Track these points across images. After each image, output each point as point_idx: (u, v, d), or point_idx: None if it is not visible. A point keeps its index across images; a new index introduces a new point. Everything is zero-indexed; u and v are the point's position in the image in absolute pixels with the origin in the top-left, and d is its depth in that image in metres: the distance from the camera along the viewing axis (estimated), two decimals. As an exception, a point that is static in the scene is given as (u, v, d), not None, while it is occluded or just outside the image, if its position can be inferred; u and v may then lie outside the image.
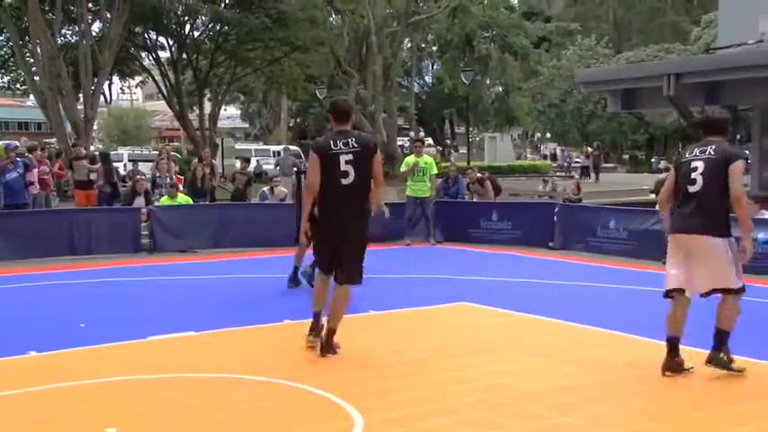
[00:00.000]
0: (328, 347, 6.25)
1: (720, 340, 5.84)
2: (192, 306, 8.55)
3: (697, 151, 5.88)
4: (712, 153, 5.80)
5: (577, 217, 13.37)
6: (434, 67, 52.09)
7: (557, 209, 13.77)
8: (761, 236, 10.50)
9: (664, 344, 5.88)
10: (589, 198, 21.70)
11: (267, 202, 15.12)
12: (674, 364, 5.81)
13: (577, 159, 37.31)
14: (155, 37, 30.61)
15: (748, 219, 5.90)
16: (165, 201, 13.94)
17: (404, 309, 8.28)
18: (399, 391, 5.36)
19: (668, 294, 5.98)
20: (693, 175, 5.79)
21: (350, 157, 6.07)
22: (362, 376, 5.73)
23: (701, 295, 5.90)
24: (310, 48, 30.28)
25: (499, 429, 4.65)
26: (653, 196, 25.54)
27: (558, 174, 34.54)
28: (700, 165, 5.80)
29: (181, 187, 15.33)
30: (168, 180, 14.97)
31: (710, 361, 5.83)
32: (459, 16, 40.98)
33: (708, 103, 17.99)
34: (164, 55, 31.39)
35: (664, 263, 11.21)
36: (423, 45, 47.55)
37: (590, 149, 35.49)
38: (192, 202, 14.35)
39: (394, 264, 10.46)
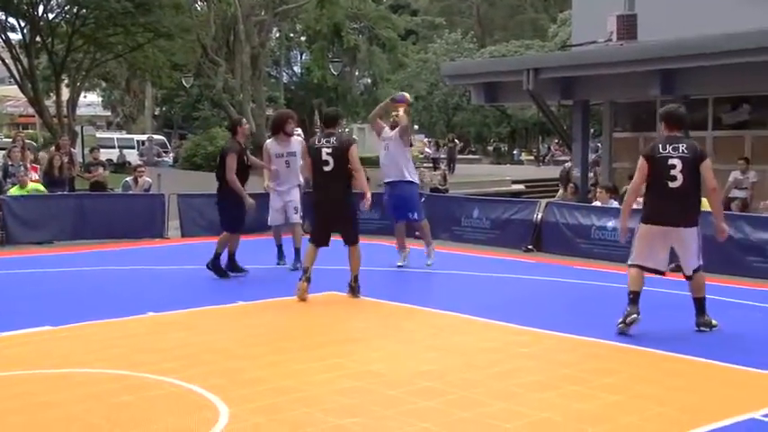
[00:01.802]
0: (356, 290, 8.24)
1: (702, 306, 6.82)
2: (49, 300, 8.22)
3: (670, 148, 6.57)
4: (686, 152, 6.57)
5: (443, 207, 13.69)
6: (303, 57, 51.83)
7: (423, 199, 14.03)
8: (610, 224, 11.14)
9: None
10: (455, 189, 22.25)
11: (131, 192, 14.67)
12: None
13: (427, 150, 38.10)
14: (3, 17, 28.94)
15: (721, 206, 7.19)
16: (14, 191, 13.24)
17: (273, 299, 8.27)
18: (265, 381, 5.37)
19: (636, 266, 6.79)
20: (673, 172, 6.52)
21: (329, 150, 8.10)
22: (228, 367, 5.70)
23: (686, 277, 6.86)
24: (175, 35, 29.40)
25: (362, 416, 4.74)
26: (515, 187, 26.56)
27: (425, 165, 35.25)
28: (677, 162, 6.53)
29: (35, 176, 14.61)
30: (22, 169, 14.23)
31: (700, 325, 6.80)
32: (328, 6, 40.84)
33: (563, 98, 18.86)
34: (15, 37, 29.75)
35: (524, 250, 11.77)
36: (291, 35, 47.21)
37: (441, 141, 36.31)
38: (45, 191, 13.71)
39: (269, 254, 10.40)
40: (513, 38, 47.98)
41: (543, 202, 12.91)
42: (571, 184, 16.11)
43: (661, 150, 6.59)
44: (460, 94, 42.95)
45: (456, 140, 37.88)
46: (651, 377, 5.60)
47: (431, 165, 33.45)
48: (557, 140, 44.72)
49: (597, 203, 12.41)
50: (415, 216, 10.47)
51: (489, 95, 19.56)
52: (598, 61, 16.19)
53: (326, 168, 8.14)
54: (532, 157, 45.89)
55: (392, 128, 10.32)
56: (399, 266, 10.37)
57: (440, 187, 21.97)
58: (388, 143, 10.25)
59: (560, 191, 17.67)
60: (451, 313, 7.60)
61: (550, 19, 50.69)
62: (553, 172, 31.57)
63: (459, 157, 40.01)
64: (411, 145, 11.31)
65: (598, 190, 13.16)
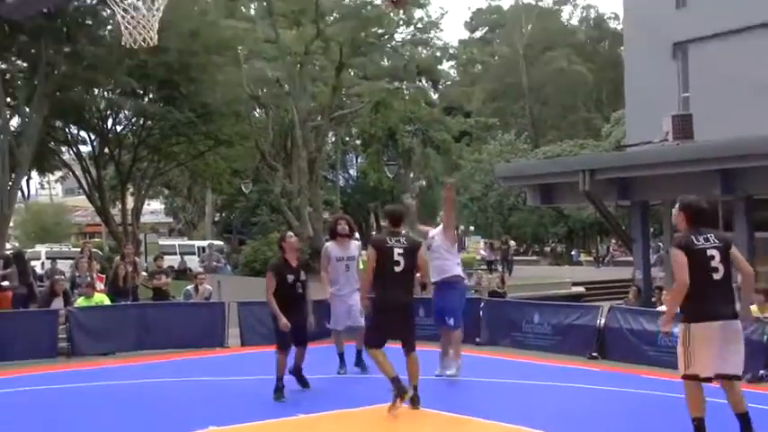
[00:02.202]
0: (418, 400, 7.91)
1: (749, 423, 6.10)
2: (114, 413, 8.26)
3: (702, 239, 6.28)
4: (717, 241, 6.30)
5: (503, 311, 13.52)
6: (359, 160, 52.84)
7: (482, 304, 13.91)
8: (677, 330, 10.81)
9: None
10: (513, 292, 22.00)
11: (192, 300, 14.86)
12: None
13: (482, 252, 37.78)
14: (76, 131, 30.29)
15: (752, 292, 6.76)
16: (81, 302, 13.54)
17: (335, 410, 8.17)
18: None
19: (693, 378, 6.18)
20: (713, 263, 6.22)
21: (401, 250, 8.03)
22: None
23: (727, 382, 6.18)
24: (235, 142, 30.40)
25: None
26: (575, 289, 26.16)
27: (481, 267, 35.05)
28: (715, 253, 6.24)
29: (101, 286, 14.93)
30: (88, 280, 14.60)
31: None
32: (382, 111, 41.94)
33: (621, 198, 18.76)
34: (85, 149, 31.04)
35: (588, 357, 11.45)
36: (347, 139, 48.30)
37: (494, 243, 36.01)
38: (109, 301, 13.97)
39: (329, 363, 10.33)
40: (566, 137, 48.24)
41: (606, 306, 12.66)
42: (634, 287, 15.80)
43: (696, 243, 6.31)
44: (516, 195, 43.04)
45: (510, 241, 37.65)
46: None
47: (486, 267, 33.21)
48: (615, 240, 44.21)
49: (663, 308, 12.11)
50: (451, 322, 9.77)
51: (545, 197, 19.60)
52: (655, 161, 16.14)
53: (397, 269, 8.01)
54: (591, 258, 45.31)
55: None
56: (447, 375, 9.76)
57: (498, 290, 21.74)
58: (431, 242, 9.86)
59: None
60: (515, 426, 7.40)
61: (603, 118, 50.97)
62: (614, 273, 31.03)
63: (517, 258, 39.73)
64: (458, 243, 11.07)
65: (664, 292, 12.86)
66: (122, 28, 5.50)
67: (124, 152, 30.10)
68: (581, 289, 25.24)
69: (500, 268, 31.40)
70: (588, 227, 46.52)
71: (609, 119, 46.50)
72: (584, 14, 67.04)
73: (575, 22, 66.93)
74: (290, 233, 9.75)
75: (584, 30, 65.26)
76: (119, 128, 30.34)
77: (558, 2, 65.32)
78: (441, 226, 10.06)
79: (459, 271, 9.95)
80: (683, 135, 17.01)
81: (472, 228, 49.57)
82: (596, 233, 47.30)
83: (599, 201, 18.01)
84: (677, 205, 6.50)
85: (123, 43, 5.50)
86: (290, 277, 8.76)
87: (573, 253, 46.25)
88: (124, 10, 5.55)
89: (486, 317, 13.27)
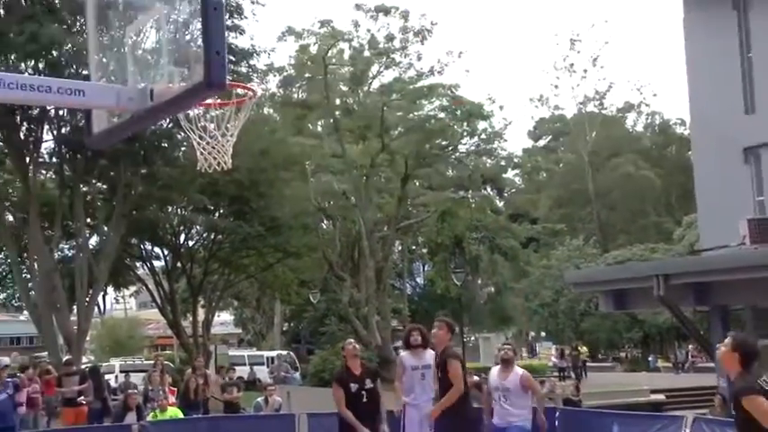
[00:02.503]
0: None
1: None
2: None
3: (763, 382, 5.97)
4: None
5: (578, 421, 13.05)
6: (426, 268, 52.84)
7: (557, 413, 13.45)
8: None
9: None
10: (588, 399, 21.27)
11: (262, 413, 14.77)
12: None
13: (554, 359, 36.77)
14: (150, 247, 31.18)
15: None
16: (154, 416, 13.60)
17: None
18: None
19: None
20: None
21: None
22: None
23: None
24: (303, 253, 30.83)
25: None
26: (654, 397, 25.15)
27: (554, 374, 34.13)
28: None
29: (173, 399, 15.00)
30: (161, 393, 14.69)
31: None
32: (448, 220, 42.19)
33: (698, 304, 18.17)
34: (158, 264, 31.85)
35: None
36: (413, 247, 48.52)
37: (565, 349, 35.04)
38: (181, 414, 13.99)
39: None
40: (636, 241, 47.48)
41: (690, 416, 12.11)
42: (718, 396, 15.09)
43: (764, 387, 6.00)
44: (587, 300, 42.24)
45: (581, 348, 36.68)
46: None
47: (558, 374, 32.33)
48: (693, 346, 42.65)
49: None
50: None
51: (618, 302, 19.11)
52: (734, 266, 15.66)
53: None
54: (670, 364, 43.71)
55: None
56: None
57: (573, 398, 21.05)
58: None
59: None
60: None
61: (674, 222, 50.17)
62: (694, 380, 29.73)
63: (591, 364, 38.59)
64: (528, 349, 10.72)
65: None
66: (198, 153, 5.70)
67: (195, 266, 30.79)
68: (661, 397, 24.22)
69: (573, 375, 30.51)
70: (665, 332, 45.11)
71: (680, 222, 45.74)
72: (649, 120, 67.07)
73: (639, 128, 66.93)
74: (350, 340, 9.60)
75: (649, 136, 65.17)
76: (191, 243, 31.18)
77: (623, 109, 65.62)
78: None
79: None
80: (760, 239, 16.58)
81: (543, 333, 48.66)
82: (674, 338, 45.77)
83: (675, 306, 17.48)
84: (729, 343, 6.16)
85: (199, 168, 5.69)
86: (354, 386, 8.59)
87: (650, 359, 44.67)
88: (200, 137, 5.78)
89: (562, 427, 12.81)
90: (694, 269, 17.11)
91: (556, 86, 76.33)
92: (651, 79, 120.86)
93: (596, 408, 16.90)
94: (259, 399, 15.81)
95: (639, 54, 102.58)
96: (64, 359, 18.38)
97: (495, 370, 9.47)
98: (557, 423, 12.86)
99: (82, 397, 14.48)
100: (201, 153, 5.70)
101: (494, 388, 9.30)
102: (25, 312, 30.73)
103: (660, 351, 48.17)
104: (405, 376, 9.87)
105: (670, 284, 16.56)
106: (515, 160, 49.80)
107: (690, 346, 43.77)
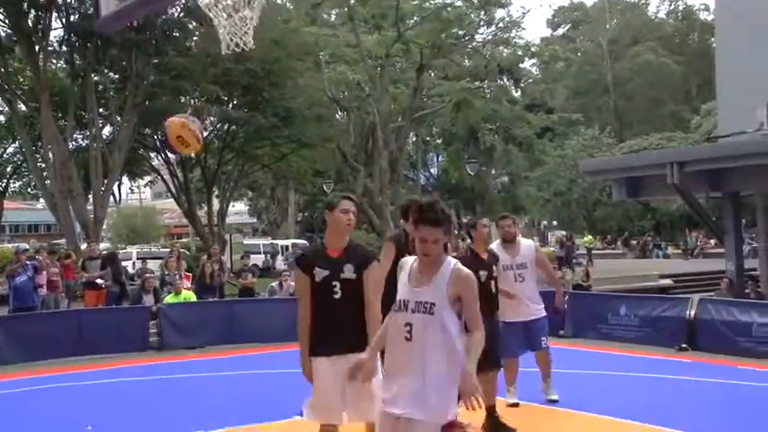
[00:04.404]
0: None
1: None
2: (202, 404, 8.46)
3: None
4: None
5: (588, 304, 13.29)
6: (440, 158, 52.74)
7: (566, 297, 13.68)
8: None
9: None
10: (598, 285, 21.58)
11: (276, 296, 15.10)
12: None
13: (552, 248, 36.71)
14: (164, 138, 31.14)
15: None
16: (169, 299, 13.94)
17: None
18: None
19: None
20: None
21: None
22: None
23: None
24: (317, 144, 30.74)
25: None
26: (663, 282, 25.47)
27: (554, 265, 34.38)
28: None
29: (188, 284, 15.33)
30: (177, 278, 15.02)
31: None
32: (463, 110, 41.71)
33: (712, 190, 18.16)
34: (172, 155, 31.87)
35: (678, 349, 11.16)
36: (428, 138, 48.30)
37: (564, 239, 35.11)
38: (194, 297, 14.34)
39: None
40: (653, 131, 47.02)
41: (696, 297, 12.29)
42: (725, 279, 15.27)
43: None
44: (600, 189, 42.22)
45: (572, 238, 36.27)
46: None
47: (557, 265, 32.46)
48: (701, 233, 42.80)
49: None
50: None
51: (631, 190, 19.13)
52: (749, 152, 15.55)
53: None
54: (680, 251, 44.04)
55: None
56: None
57: (582, 284, 21.39)
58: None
59: None
60: (604, 417, 7.25)
61: (692, 111, 49.49)
62: (703, 266, 30.04)
63: (603, 252, 38.79)
64: (540, 237, 9.88)
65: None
66: (220, 33, 5.50)
67: (210, 156, 30.83)
68: (669, 281, 24.50)
69: (583, 262, 30.78)
70: (676, 219, 45.26)
71: (698, 110, 45.13)
72: (672, 6, 65.25)
73: (662, 14, 65.22)
74: None
75: (671, 23, 63.50)
76: (205, 133, 31.07)
77: (645, -6, 63.82)
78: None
79: None
80: (778, 123, 16.38)
81: (555, 222, 48.95)
82: (685, 225, 45.95)
83: (688, 193, 17.47)
84: None
85: (223, 51, 5.51)
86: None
87: (661, 246, 44.88)
88: (222, 16, 5.58)
89: (571, 309, 13.06)
90: (709, 156, 17.01)
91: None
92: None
93: (605, 292, 17.14)
94: (273, 284, 16.14)
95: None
96: (86, 245, 18.76)
97: (497, 248, 7.75)
98: (566, 306, 13.10)
99: (101, 281, 14.84)
100: (226, 34, 5.51)
101: (505, 267, 7.57)
102: (42, 200, 31.08)
103: (671, 239, 48.45)
104: None
105: (684, 172, 16.53)
106: (533, 50, 48.73)
107: (700, 233, 43.98)
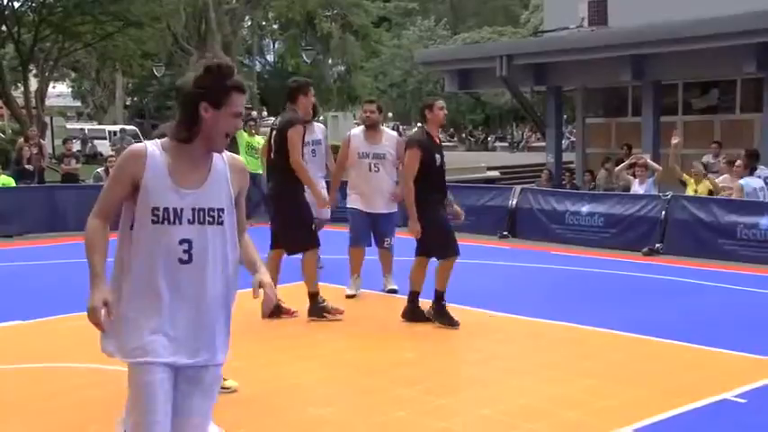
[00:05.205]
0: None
1: None
2: (18, 294, 8.10)
3: None
4: None
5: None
6: (276, 45, 51.52)
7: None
8: (584, 209, 11.18)
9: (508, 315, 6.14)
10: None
11: (102, 183, 14.47)
12: None
13: None
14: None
15: None
16: (-16, 183, 13.07)
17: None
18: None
19: None
20: None
21: None
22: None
23: None
24: (145, 23, 29.08)
25: (337, 405, 4.73)
26: (490, 173, 26.59)
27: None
28: None
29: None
30: (-10, 161, 14.05)
31: None
32: (301, -6, 40.68)
33: (537, 84, 18.92)
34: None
35: (500, 237, 11.76)
36: (263, 23, 46.92)
37: (397, 130, 35.87)
38: (13, 183, 13.51)
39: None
40: (485, 24, 47.97)
41: (518, 188, 12.93)
42: (545, 170, 16.15)
43: None
44: (434, 82, 42.93)
45: (405, 131, 37.28)
46: (627, 361, 5.63)
47: None
48: (528, 127, 44.85)
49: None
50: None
51: (463, 82, 19.57)
52: (570, 47, 16.24)
53: None
54: (506, 144, 46.02)
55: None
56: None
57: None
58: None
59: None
60: (428, 300, 7.57)
61: (522, 5, 50.74)
62: (527, 158, 31.61)
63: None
64: None
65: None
66: None
67: (24, 31, 28.49)
68: (496, 173, 25.63)
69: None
70: (505, 113, 47.00)
71: (527, 6, 46.35)
72: None
73: None
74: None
75: None
76: (16, 4, 28.59)
77: None
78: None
79: None
80: (597, 21, 17.14)
81: (390, 114, 49.50)
82: (512, 119, 47.89)
83: (515, 87, 18.11)
84: None
85: None
86: None
87: (489, 138, 46.73)
88: None
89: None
90: (534, 50, 17.62)
91: None
92: None
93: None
94: (99, 169, 15.42)
95: None
96: None
97: (358, 133, 7.62)
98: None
99: None
100: None
101: (361, 155, 7.47)
102: None
103: (499, 131, 50.46)
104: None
105: (512, 65, 17.07)
106: (371, -68, 47.87)
107: (526, 128, 46.07)
